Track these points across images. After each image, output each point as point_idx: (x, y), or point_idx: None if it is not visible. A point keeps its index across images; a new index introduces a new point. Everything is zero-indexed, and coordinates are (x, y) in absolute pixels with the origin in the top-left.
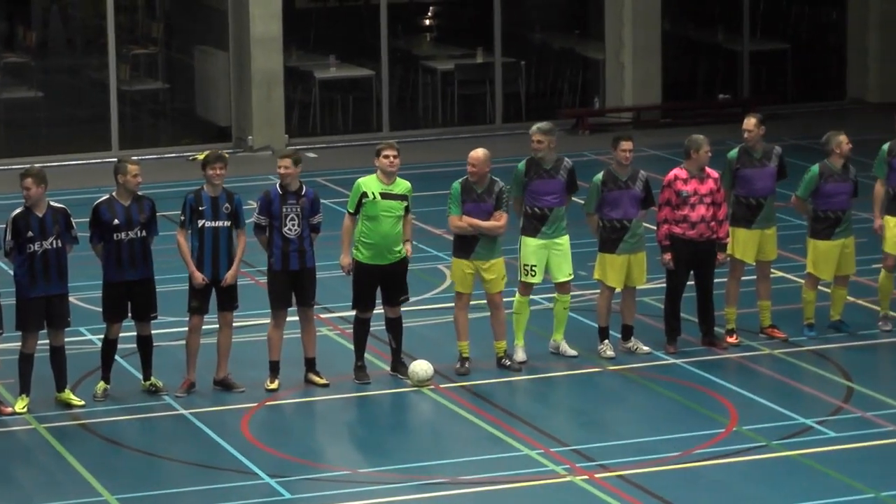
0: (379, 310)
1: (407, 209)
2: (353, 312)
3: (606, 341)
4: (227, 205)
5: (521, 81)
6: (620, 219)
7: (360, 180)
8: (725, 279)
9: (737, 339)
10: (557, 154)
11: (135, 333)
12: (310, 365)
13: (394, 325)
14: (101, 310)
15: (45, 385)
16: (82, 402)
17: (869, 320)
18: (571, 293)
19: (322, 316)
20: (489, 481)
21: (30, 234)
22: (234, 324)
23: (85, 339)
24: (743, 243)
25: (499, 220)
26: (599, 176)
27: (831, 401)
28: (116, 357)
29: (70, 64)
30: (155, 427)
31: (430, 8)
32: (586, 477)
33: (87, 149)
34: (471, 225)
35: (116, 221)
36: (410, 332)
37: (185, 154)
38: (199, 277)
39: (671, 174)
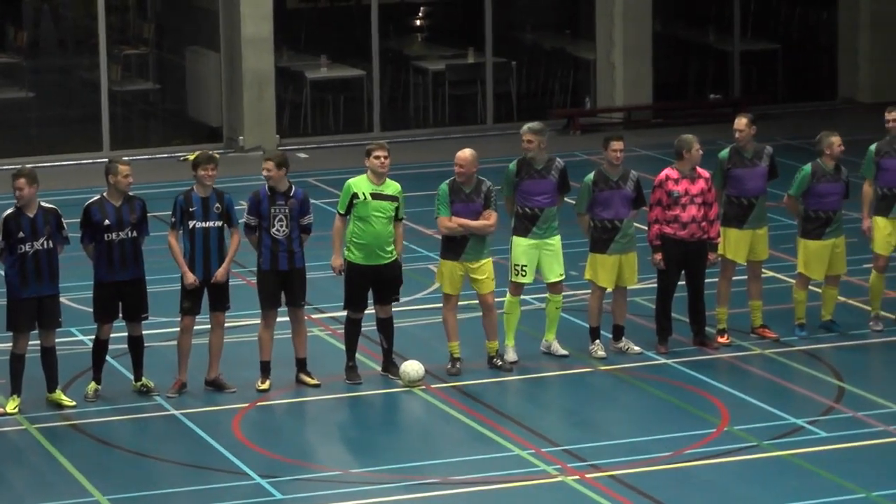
0: (370, 310)
1: (398, 217)
2: (345, 313)
3: (598, 341)
4: (217, 205)
5: (512, 81)
6: (611, 219)
7: (350, 181)
8: (717, 279)
9: (728, 339)
10: (549, 154)
11: (126, 334)
12: (301, 365)
13: (385, 326)
14: (92, 310)
15: (37, 385)
16: (74, 403)
17: (860, 320)
18: (563, 293)
19: (313, 316)
20: (480, 481)
21: (21, 234)
22: (226, 324)
23: (76, 339)
24: (734, 243)
25: (488, 219)
26: (590, 176)
27: (822, 401)
28: (108, 358)
29: (61, 64)
30: (146, 427)
31: (422, 8)
32: (577, 477)
33: (77, 149)
34: (461, 225)
35: (107, 222)
36: (402, 332)
37: (176, 154)
38: (192, 279)
39: (662, 174)
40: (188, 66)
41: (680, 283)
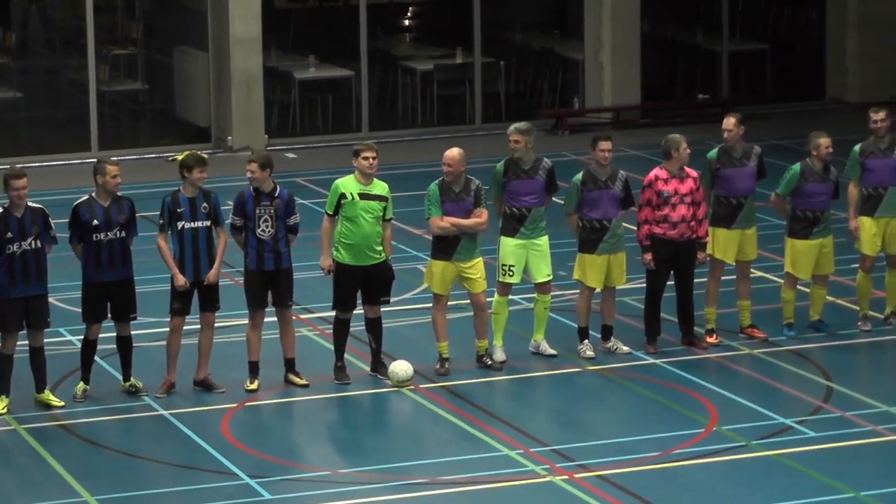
0: (358, 310)
1: (386, 217)
2: (333, 313)
3: (586, 341)
4: (205, 204)
5: (501, 82)
6: (600, 219)
7: (338, 181)
8: (705, 279)
9: (716, 338)
10: (536, 154)
11: (114, 334)
12: (289, 365)
13: (374, 326)
14: (80, 310)
15: (25, 386)
16: (62, 403)
17: (848, 320)
18: (551, 293)
19: (302, 317)
20: (469, 481)
21: (9, 234)
22: (215, 324)
23: (64, 339)
24: (723, 243)
25: (480, 217)
26: (579, 176)
27: (811, 400)
28: (96, 358)
29: (49, 64)
30: (135, 428)
31: (410, 8)
32: (566, 477)
33: (66, 149)
34: (453, 224)
35: (96, 222)
36: (390, 332)
37: (164, 155)
38: (182, 281)
39: (651, 174)
40: (176, 66)
41: (668, 282)
